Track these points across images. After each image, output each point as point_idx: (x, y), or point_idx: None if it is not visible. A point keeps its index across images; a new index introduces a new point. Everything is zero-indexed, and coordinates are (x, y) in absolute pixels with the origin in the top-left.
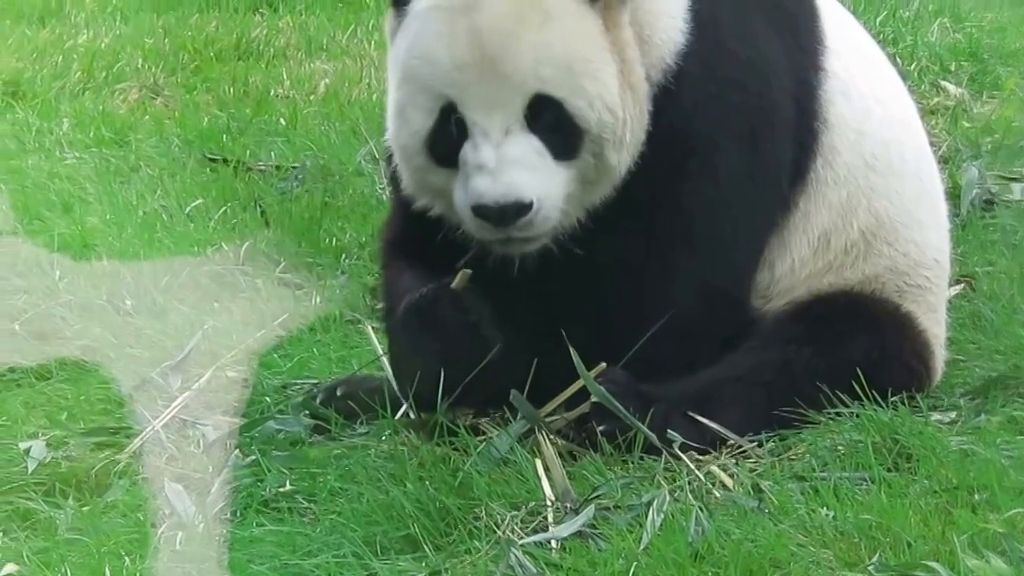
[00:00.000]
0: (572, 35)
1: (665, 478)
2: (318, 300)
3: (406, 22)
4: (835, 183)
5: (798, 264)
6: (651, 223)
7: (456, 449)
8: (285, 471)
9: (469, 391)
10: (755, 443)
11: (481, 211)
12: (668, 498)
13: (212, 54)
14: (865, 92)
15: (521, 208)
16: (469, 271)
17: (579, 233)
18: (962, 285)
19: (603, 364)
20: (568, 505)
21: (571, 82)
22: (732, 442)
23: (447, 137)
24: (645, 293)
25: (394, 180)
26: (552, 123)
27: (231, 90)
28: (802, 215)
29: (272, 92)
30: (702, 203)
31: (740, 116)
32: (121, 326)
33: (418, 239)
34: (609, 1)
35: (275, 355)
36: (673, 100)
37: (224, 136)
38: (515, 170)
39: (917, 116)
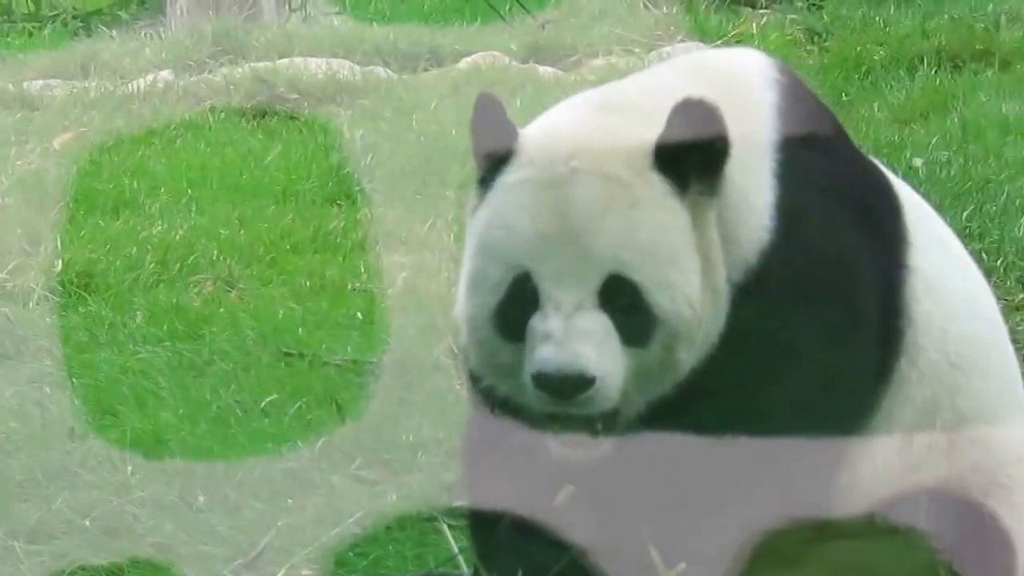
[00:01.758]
0: (659, 223)
1: None
2: (394, 497)
3: (490, 196)
4: (919, 382)
5: (880, 464)
6: (726, 427)
7: None
8: None
9: None
10: None
11: (542, 379)
12: None
13: (288, 246)
14: (949, 289)
15: (583, 381)
16: (572, 488)
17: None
18: None
19: (683, 564)
20: None
21: (652, 268)
22: None
23: (518, 308)
24: (723, 498)
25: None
26: (627, 306)
27: (307, 283)
28: (885, 415)
29: (349, 285)
30: (783, 403)
31: (825, 315)
32: (194, 523)
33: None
34: (698, 199)
35: (350, 553)
36: (756, 297)
37: (300, 329)
38: (581, 343)
39: (997, 310)
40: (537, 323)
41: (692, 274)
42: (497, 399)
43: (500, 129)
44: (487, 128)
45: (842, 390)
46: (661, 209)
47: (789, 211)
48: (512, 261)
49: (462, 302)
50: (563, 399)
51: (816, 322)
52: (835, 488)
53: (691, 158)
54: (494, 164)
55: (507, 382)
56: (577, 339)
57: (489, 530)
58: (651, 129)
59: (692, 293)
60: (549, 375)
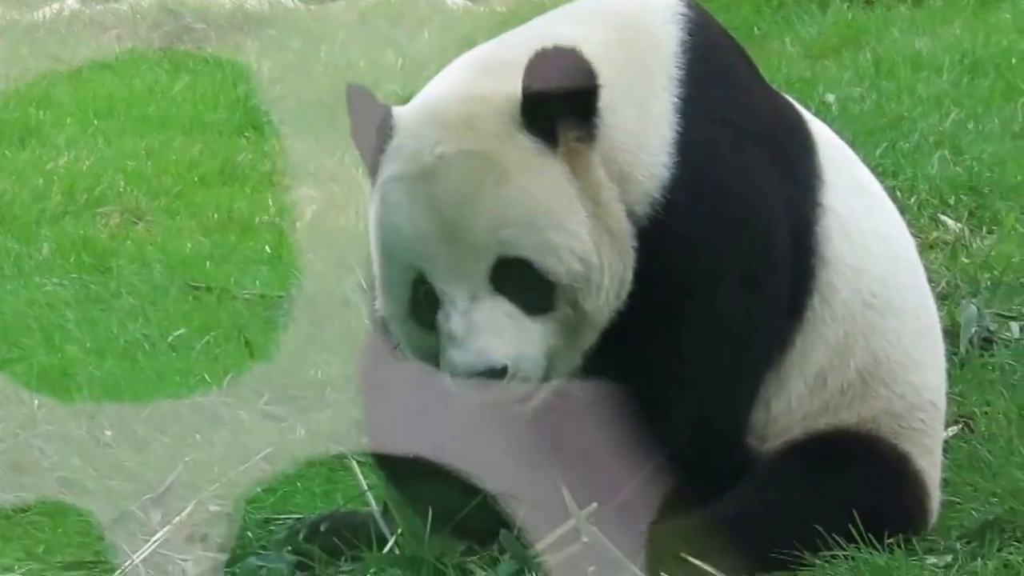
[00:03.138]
0: (532, 189)
1: None
2: (302, 433)
3: (374, 193)
4: (832, 321)
5: (794, 404)
6: (645, 363)
7: None
8: None
9: (459, 528)
10: None
11: (456, 380)
12: None
13: (196, 178)
14: (864, 229)
15: (494, 373)
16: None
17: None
18: (959, 425)
19: (595, 503)
20: None
21: (534, 238)
22: None
23: (424, 306)
24: (640, 434)
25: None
26: (520, 282)
27: (215, 216)
28: (799, 353)
29: (257, 219)
30: (698, 342)
31: (736, 251)
32: (101, 459)
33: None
34: (573, 146)
35: (259, 489)
36: (665, 234)
37: (208, 263)
38: (483, 336)
39: (916, 253)
40: (441, 322)
41: (578, 226)
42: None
43: (374, 121)
44: (361, 122)
45: (754, 324)
46: (532, 172)
47: (693, 146)
48: (404, 263)
49: (379, 301)
50: (481, 392)
51: (724, 257)
52: (749, 426)
53: (558, 109)
54: (375, 156)
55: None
56: (477, 334)
57: (396, 467)
58: (518, 90)
59: (580, 246)
60: (460, 376)
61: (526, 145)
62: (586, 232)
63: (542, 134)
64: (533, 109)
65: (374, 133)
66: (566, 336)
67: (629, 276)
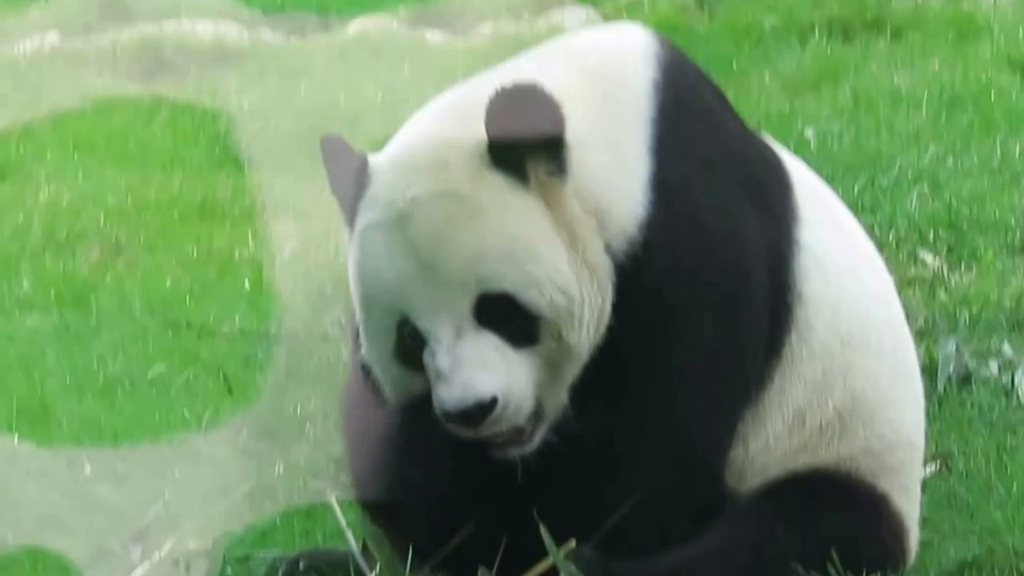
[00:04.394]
0: (508, 223)
1: None
2: (282, 470)
3: (352, 242)
4: (810, 359)
5: (772, 442)
6: (625, 396)
7: None
8: None
9: (439, 566)
10: None
11: (447, 418)
12: None
13: (175, 213)
14: (841, 266)
15: (484, 407)
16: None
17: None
18: (938, 463)
19: (572, 541)
20: None
21: (514, 272)
22: None
23: (411, 347)
24: (619, 468)
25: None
26: (504, 316)
27: (195, 251)
28: (777, 391)
29: (236, 254)
30: (677, 375)
31: (714, 287)
32: (80, 496)
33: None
34: (544, 180)
35: (237, 526)
36: (642, 271)
37: (187, 298)
38: (470, 371)
39: (894, 290)
40: (428, 360)
41: (556, 259)
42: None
43: (350, 170)
44: (337, 172)
45: (732, 360)
46: (506, 209)
47: (669, 184)
48: (387, 307)
49: (364, 349)
50: (474, 428)
51: (702, 293)
52: (728, 464)
53: (524, 146)
54: (353, 205)
55: (426, 406)
56: (465, 369)
57: (375, 505)
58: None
59: (560, 279)
60: (450, 412)
61: (497, 183)
62: (565, 264)
63: (512, 171)
64: (499, 148)
65: (351, 183)
66: (550, 370)
67: (608, 310)
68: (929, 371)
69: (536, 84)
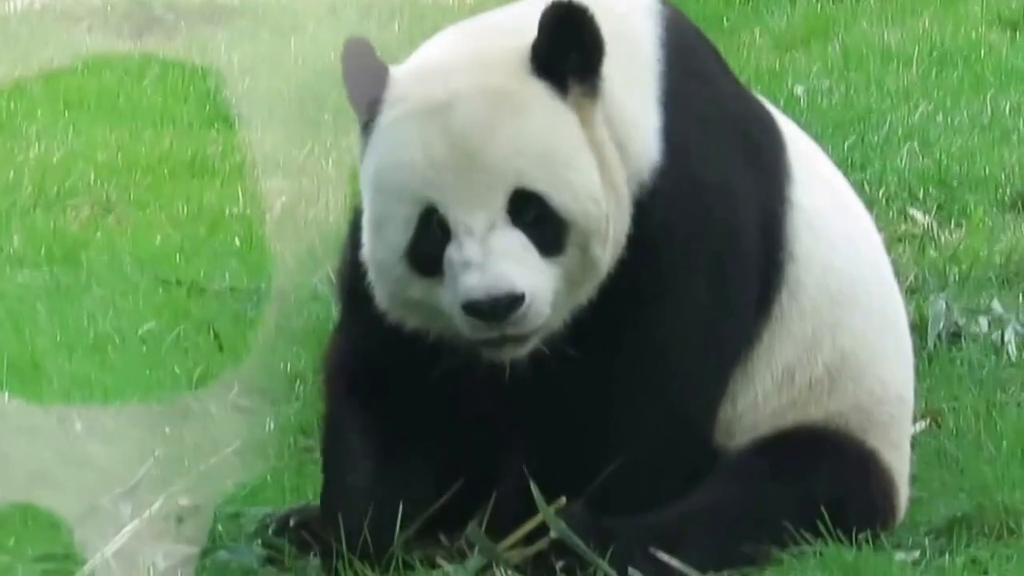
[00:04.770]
0: (549, 127)
1: None
2: (272, 427)
3: (374, 139)
4: (800, 317)
5: (762, 399)
6: (617, 349)
7: None
8: None
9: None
10: None
11: (473, 307)
12: None
13: (166, 170)
14: (831, 225)
15: (514, 301)
16: None
17: (562, 344)
18: (928, 420)
19: (563, 498)
20: None
21: (552, 174)
22: None
23: (429, 242)
24: (609, 424)
25: (352, 300)
26: (536, 217)
27: (185, 208)
28: (766, 349)
29: (227, 211)
30: (667, 331)
31: (707, 244)
32: (70, 452)
33: (375, 364)
34: (581, 100)
35: (228, 482)
36: (646, 219)
37: (177, 256)
38: (504, 262)
39: (883, 249)
40: (454, 253)
41: (590, 171)
42: (408, 334)
43: (372, 72)
44: (359, 73)
45: (723, 315)
46: (547, 111)
47: (674, 139)
48: (414, 197)
49: (368, 247)
50: (496, 321)
51: (697, 246)
52: (717, 422)
53: (567, 59)
54: (372, 108)
55: (419, 316)
56: (498, 260)
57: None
58: (525, 43)
59: (594, 188)
60: (478, 301)
61: (539, 88)
62: (597, 178)
63: (553, 80)
64: (544, 55)
65: (370, 85)
66: (569, 285)
67: (623, 237)
68: (919, 328)
69: (587, 6)
